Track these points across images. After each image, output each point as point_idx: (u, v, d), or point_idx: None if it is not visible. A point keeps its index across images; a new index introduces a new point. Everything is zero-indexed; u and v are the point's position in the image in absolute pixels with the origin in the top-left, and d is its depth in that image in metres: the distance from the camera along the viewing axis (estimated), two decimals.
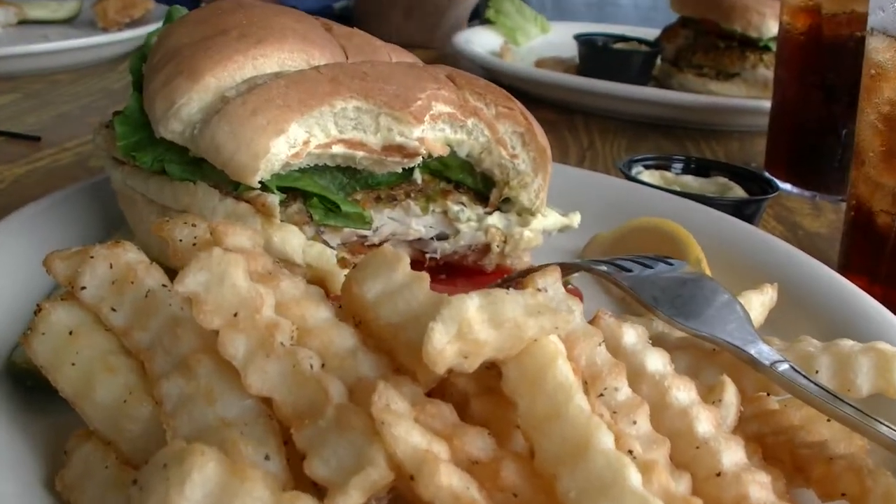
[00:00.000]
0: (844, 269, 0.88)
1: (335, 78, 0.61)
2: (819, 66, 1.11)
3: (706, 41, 1.40)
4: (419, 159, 0.65)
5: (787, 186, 1.16)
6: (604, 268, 0.56)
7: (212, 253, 0.43)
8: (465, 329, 0.39)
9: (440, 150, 0.66)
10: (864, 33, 1.05)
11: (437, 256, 0.70)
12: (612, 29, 1.63)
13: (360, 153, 0.63)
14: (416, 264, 0.70)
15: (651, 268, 0.57)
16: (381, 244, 0.68)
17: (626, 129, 1.33)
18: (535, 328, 0.40)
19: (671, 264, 0.58)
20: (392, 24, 1.80)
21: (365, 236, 0.66)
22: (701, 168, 0.97)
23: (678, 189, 0.95)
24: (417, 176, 0.68)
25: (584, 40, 1.47)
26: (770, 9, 1.32)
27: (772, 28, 1.32)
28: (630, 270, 0.56)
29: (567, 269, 0.60)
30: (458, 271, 0.72)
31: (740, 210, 0.89)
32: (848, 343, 0.53)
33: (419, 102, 0.64)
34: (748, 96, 1.36)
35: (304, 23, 0.69)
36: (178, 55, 0.65)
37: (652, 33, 1.59)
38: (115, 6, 1.73)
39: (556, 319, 0.41)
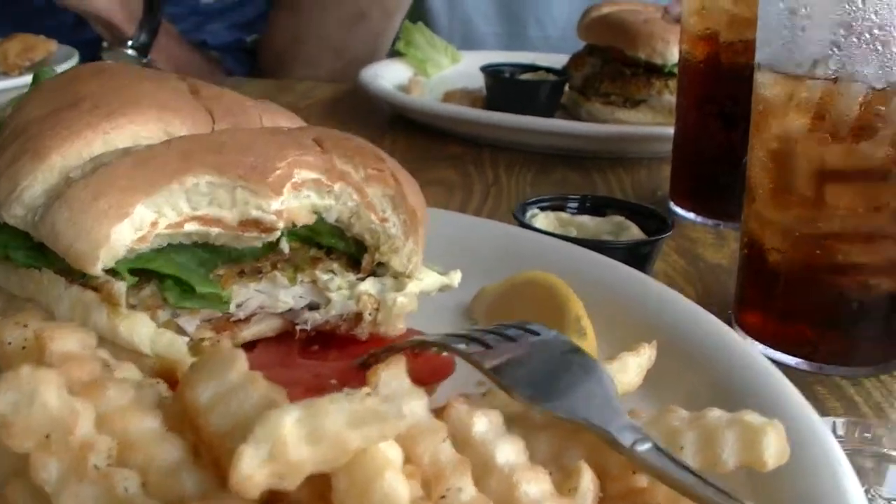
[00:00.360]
0: (740, 304, 0.87)
1: (187, 152, 0.59)
2: (718, 94, 1.11)
3: (612, 69, 1.39)
4: (278, 233, 0.62)
5: (690, 216, 1.15)
6: (462, 345, 0.54)
7: (20, 371, 0.40)
8: (279, 450, 0.36)
9: (305, 219, 0.63)
10: None
11: (308, 327, 0.68)
12: (523, 58, 1.62)
13: (215, 230, 0.60)
14: (287, 336, 0.68)
15: (515, 340, 0.55)
16: (248, 319, 0.66)
17: (532, 162, 1.32)
18: (359, 440, 0.38)
19: (538, 333, 0.56)
20: (322, 68, 1.78)
21: (229, 314, 0.63)
22: (597, 207, 0.95)
23: (574, 231, 0.93)
24: (284, 246, 0.65)
25: (490, 71, 1.46)
26: (674, 35, 1.32)
27: (676, 55, 1.32)
28: (490, 346, 0.54)
29: (423, 346, 0.58)
30: (331, 341, 0.69)
31: (635, 252, 0.88)
32: (715, 414, 0.52)
33: (278, 172, 0.61)
34: (655, 123, 1.36)
35: (165, 89, 0.66)
36: (26, 131, 0.62)
37: (562, 61, 1.58)
38: (16, 49, 1.68)
39: (384, 428, 0.39)
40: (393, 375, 0.44)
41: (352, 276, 0.68)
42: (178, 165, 0.58)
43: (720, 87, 1.10)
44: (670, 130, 1.26)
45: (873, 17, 0.71)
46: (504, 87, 1.40)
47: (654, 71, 1.35)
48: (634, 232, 0.92)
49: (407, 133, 1.43)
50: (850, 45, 0.73)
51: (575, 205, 0.96)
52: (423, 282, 0.70)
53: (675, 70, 1.34)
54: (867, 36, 0.72)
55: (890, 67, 0.72)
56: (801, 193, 0.78)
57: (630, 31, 1.34)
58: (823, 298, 0.80)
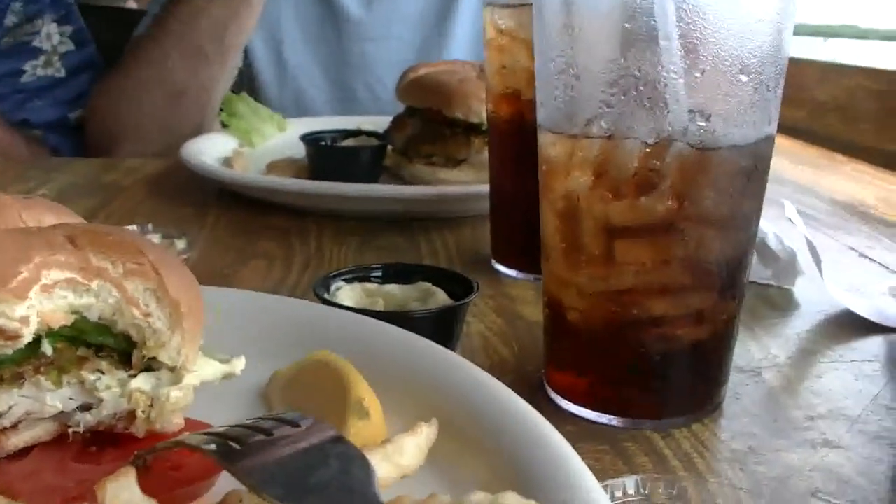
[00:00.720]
0: (549, 364, 0.86)
1: None
2: (525, 151, 1.10)
3: (432, 130, 1.39)
4: (24, 339, 0.58)
5: (512, 273, 1.15)
6: (212, 446, 0.51)
7: None
8: None
9: (62, 320, 0.60)
10: None
11: (81, 429, 0.64)
12: (350, 122, 1.61)
13: None
14: (62, 438, 0.64)
15: (271, 433, 0.52)
16: (15, 426, 0.62)
17: (358, 230, 1.30)
18: None
19: (298, 424, 0.53)
20: (151, 144, 1.74)
21: None
22: (403, 274, 0.94)
23: (380, 301, 0.91)
24: (47, 348, 0.61)
25: (309, 140, 1.43)
26: None
27: None
28: (244, 442, 0.51)
29: (178, 445, 0.55)
30: (108, 441, 0.65)
31: (440, 320, 0.86)
32: (477, 498, 0.50)
33: (22, 276, 0.57)
34: (477, 180, 1.35)
35: None
36: None
37: (386, 122, 1.58)
38: None
39: None
40: (122, 487, 0.41)
41: (123, 374, 0.65)
42: None
43: (527, 143, 1.10)
44: (485, 188, 1.26)
45: (637, 73, 0.72)
46: (324, 155, 1.38)
47: (473, 130, 1.35)
48: (441, 298, 0.91)
49: (233, 206, 1.40)
50: (619, 102, 0.73)
51: (380, 274, 0.94)
52: (202, 372, 0.67)
53: None
54: (634, 93, 0.72)
55: (660, 122, 0.72)
56: (591, 252, 0.78)
57: (446, 91, 1.34)
58: (627, 354, 0.79)
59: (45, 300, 0.59)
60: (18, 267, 0.57)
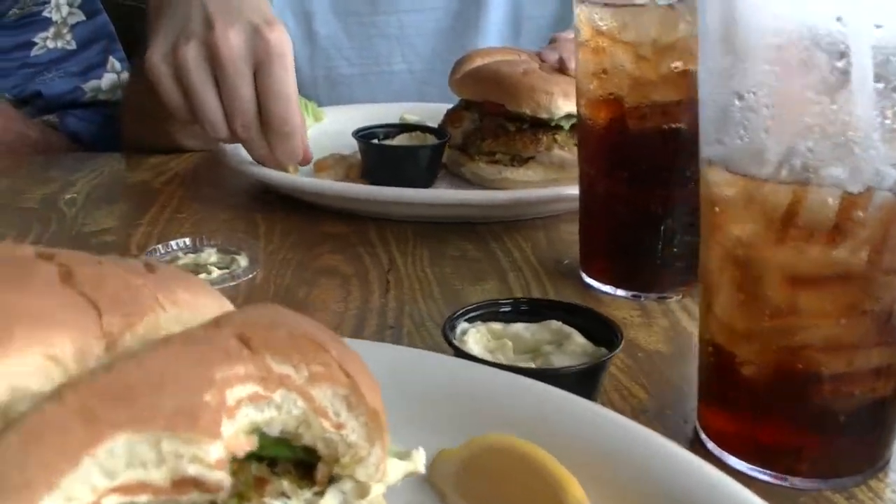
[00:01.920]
0: (706, 411, 0.78)
1: (89, 413, 0.44)
2: (627, 159, 1.02)
3: (494, 125, 1.28)
4: (222, 496, 0.48)
5: (608, 289, 1.06)
6: None
7: None
8: None
9: (246, 445, 0.50)
10: (672, 124, 0.97)
11: None
12: (390, 112, 1.50)
13: (142, 498, 0.46)
14: None
15: None
16: None
17: (425, 235, 1.20)
18: None
19: None
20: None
21: None
22: (532, 311, 0.85)
23: (509, 345, 0.82)
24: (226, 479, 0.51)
25: (362, 136, 1.32)
26: (557, 86, 1.23)
27: (562, 107, 1.22)
28: None
29: None
30: None
31: (591, 373, 0.77)
32: None
33: (208, 403, 0.47)
34: (546, 179, 1.26)
35: (29, 289, 0.50)
36: None
37: (433, 110, 1.47)
38: None
39: None
40: None
41: (308, 493, 0.55)
42: (83, 433, 0.43)
43: (629, 151, 1.01)
44: (567, 190, 1.18)
45: (846, 117, 0.63)
46: (381, 155, 1.27)
47: (540, 125, 1.25)
48: (578, 341, 0.82)
49: (280, 209, 1.29)
50: (820, 146, 0.64)
51: (506, 310, 0.85)
52: (388, 477, 0.58)
53: (563, 123, 1.26)
54: (841, 138, 0.63)
55: (865, 170, 0.64)
56: (774, 304, 0.69)
57: (510, 84, 1.24)
58: (807, 410, 0.71)
59: (229, 425, 0.49)
60: (203, 394, 0.47)
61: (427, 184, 1.31)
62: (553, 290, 1.07)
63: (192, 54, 1.21)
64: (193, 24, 1.22)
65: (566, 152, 1.24)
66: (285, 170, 1.26)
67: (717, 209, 0.72)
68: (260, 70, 1.21)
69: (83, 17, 1.85)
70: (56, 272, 0.52)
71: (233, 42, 1.19)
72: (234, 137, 1.26)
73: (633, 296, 1.05)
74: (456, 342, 0.79)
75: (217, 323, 0.54)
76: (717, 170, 0.71)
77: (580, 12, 1.00)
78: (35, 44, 1.78)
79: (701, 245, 0.77)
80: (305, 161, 1.28)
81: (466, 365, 0.75)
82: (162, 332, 0.54)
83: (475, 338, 0.82)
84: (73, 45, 1.82)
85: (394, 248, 1.17)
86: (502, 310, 0.85)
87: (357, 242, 1.19)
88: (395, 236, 1.21)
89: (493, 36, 1.83)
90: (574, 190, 1.18)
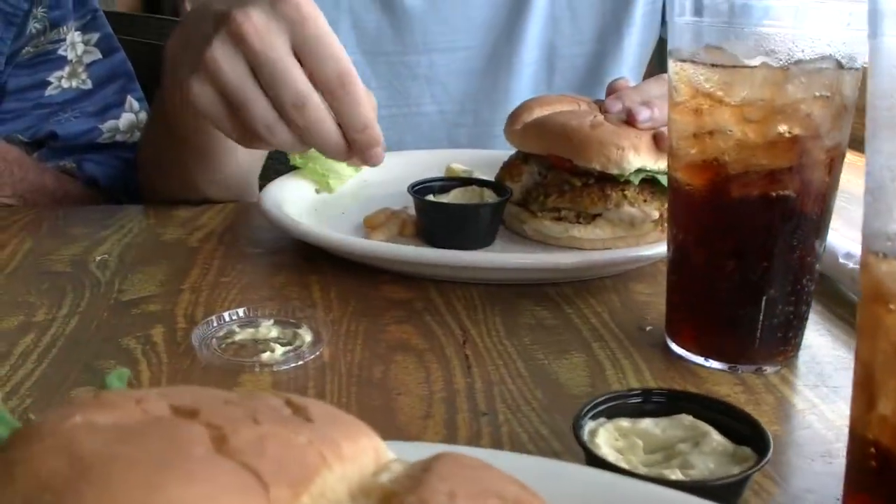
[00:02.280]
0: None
1: None
2: (729, 227, 0.95)
3: (558, 179, 1.21)
4: None
5: (699, 359, 0.99)
6: None
7: None
8: None
9: None
10: (779, 191, 0.91)
11: None
12: (434, 158, 1.42)
13: None
14: None
15: None
16: None
17: (493, 300, 1.13)
18: None
19: None
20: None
21: None
22: (660, 405, 0.77)
23: (640, 443, 0.75)
24: None
25: (418, 192, 1.25)
26: (627, 140, 1.16)
27: (633, 162, 1.16)
28: None
29: None
30: None
31: (742, 482, 0.70)
32: None
33: None
34: (614, 237, 1.19)
35: (191, 465, 0.41)
36: None
37: (480, 158, 1.40)
38: None
39: None
40: None
41: None
42: None
43: (731, 218, 0.95)
44: (652, 251, 1.12)
45: None
46: (441, 214, 1.19)
47: (608, 180, 1.18)
48: (715, 438, 0.74)
49: (333, 270, 1.21)
50: None
51: (635, 402, 0.78)
52: None
53: (633, 178, 1.19)
54: None
55: None
56: None
57: (578, 139, 1.17)
58: None
59: None
60: None
61: (488, 242, 1.24)
62: (642, 361, 1.00)
63: (218, 52, 1.08)
64: (208, 29, 1.12)
65: (635, 209, 1.18)
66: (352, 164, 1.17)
67: (891, 307, 0.65)
68: (295, 37, 1.08)
69: (99, 56, 1.76)
70: (207, 436, 0.44)
71: (255, 18, 1.06)
72: (294, 135, 1.12)
73: (730, 367, 0.98)
74: (590, 446, 0.72)
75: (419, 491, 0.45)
76: (882, 260, 0.64)
77: (679, 70, 0.93)
78: (49, 83, 1.69)
79: (859, 338, 0.70)
80: (377, 154, 1.16)
81: (613, 479, 0.67)
82: (329, 495, 0.46)
83: (604, 437, 0.74)
84: (90, 85, 1.73)
85: (464, 317, 1.09)
86: (631, 401, 0.78)
87: (423, 310, 1.11)
88: (462, 302, 1.13)
89: (526, 77, 1.77)
90: (653, 251, 1.12)
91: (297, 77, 1.08)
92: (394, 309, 1.11)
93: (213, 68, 1.08)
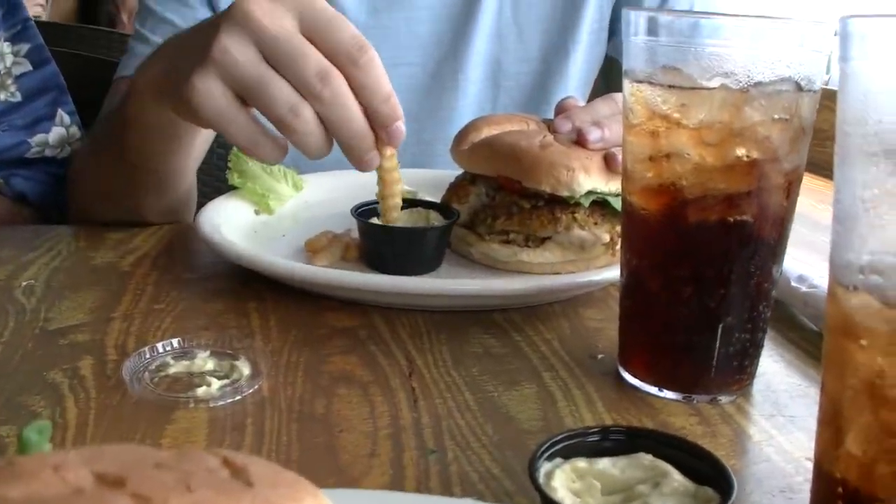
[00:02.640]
0: None
1: None
2: (685, 253, 0.91)
3: (507, 201, 1.17)
4: None
5: (652, 389, 0.95)
6: None
7: None
8: None
9: None
10: (737, 216, 0.88)
11: None
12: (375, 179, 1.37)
13: None
14: None
15: None
16: None
17: (439, 327, 1.08)
18: None
19: None
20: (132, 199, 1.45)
21: None
22: (619, 442, 0.74)
23: (597, 485, 0.70)
24: None
25: (361, 215, 1.20)
26: (577, 161, 1.12)
27: (583, 183, 1.12)
28: None
29: None
30: None
31: None
32: None
33: None
34: (564, 261, 1.15)
35: None
36: None
37: (424, 179, 1.35)
38: None
39: None
40: None
41: None
42: None
43: (687, 244, 0.91)
44: (603, 276, 1.09)
45: None
46: (386, 238, 1.14)
47: (558, 203, 1.14)
48: (676, 479, 0.71)
49: (273, 296, 1.16)
50: None
51: (593, 440, 0.74)
52: None
53: (583, 201, 1.15)
54: None
55: None
56: None
57: (528, 160, 1.13)
58: None
59: None
60: None
61: (434, 266, 1.20)
62: (595, 391, 0.97)
63: (226, 41, 0.99)
64: (208, 29, 1.03)
65: (586, 232, 1.14)
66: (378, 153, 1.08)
67: (862, 342, 0.62)
68: (304, 17, 1.01)
69: (30, 68, 1.69)
70: None
71: (264, 3, 1.00)
72: (317, 119, 1.03)
73: (684, 397, 0.95)
74: (546, 489, 0.68)
75: None
76: (866, 299, 0.61)
77: (635, 91, 0.90)
78: None
79: (826, 372, 0.67)
80: (399, 129, 1.07)
81: None
82: None
83: (560, 479, 0.71)
84: (19, 97, 1.66)
85: (410, 346, 1.05)
86: (588, 440, 0.74)
87: (367, 338, 1.06)
88: (407, 330, 1.09)
89: (471, 95, 1.73)
90: (604, 275, 1.09)
91: (314, 51, 1.00)
92: (337, 338, 1.06)
93: (222, 59, 1.00)
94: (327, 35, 1.01)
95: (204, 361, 0.97)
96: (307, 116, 1.01)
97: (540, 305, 1.15)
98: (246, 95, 1.01)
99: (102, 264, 1.27)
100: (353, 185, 1.35)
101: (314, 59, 1.00)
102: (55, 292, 1.16)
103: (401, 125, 1.05)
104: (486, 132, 1.23)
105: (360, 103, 1.02)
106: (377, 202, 1.19)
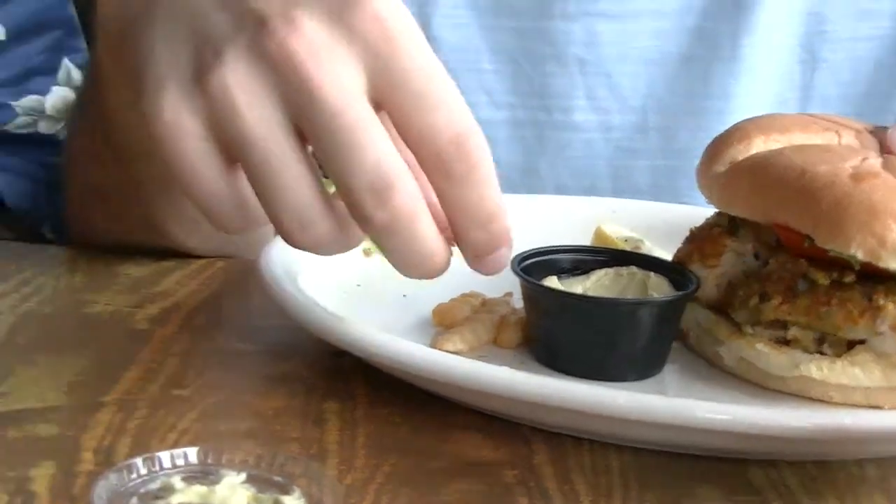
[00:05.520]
0: None
1: None
2: None
3: (789, 271, 1.12)
4: None
5: None
6: None
7: None
8: None
9: None
10: None
11: None
12: (570, 207, 1.36)
13: None
14: None
15: None
16: None
17: (647, 480, 1.02)
18: None
19: None
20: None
21: None
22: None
23: None
24: None
25: (526, 268, 1.16)
26: None
27: None
28: None
29: None
30: None
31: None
32: None
33: None
34: (887, 386, 1.09)
35: None
36: None
37: (654, 216, 1.35)
38: None
39: None
40: None
41: None
42: None
43: None
44: None
45: None
46: (570, 311, 1.13)
47: (880, 281, 1.08)
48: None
49: (368, 400, 1.14)
50: None
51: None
52: None
53: None
54: None
55: None
56: None
57: (828, 201, 1.05)
58: None
59: None
60: None
61: (650, 371, 1.16)
62: None
63: (233, 77, 0.95)
64: (218, 23, 1.01)
65: None
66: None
67: None
68: (375, 70, 0.96)
69: None
70: None
71: (308, 33, 0.93)
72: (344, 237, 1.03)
73: None
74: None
75: None
76: None
77: None
78: None
79: None
80: (499, 258, 1.04)
81: None
82: None
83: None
84: (1, 34, 1.71)
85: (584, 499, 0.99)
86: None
87: (517, 484, 1.01)
88: (587, 477, 1.03)
89: (763, 75, 1.69)
90: None
91: (378, 138, 0.96)
92: (464, 477, 1.02)
93: (221, 102, 0.97)
94: (412, 116, 0.97)
95: (232, 490, 0.94)
96: (319, 235, 1.01)
97: (841, 463, 1.09)
98: (239, 160, 0.99)
99: (103, 314, 1.29)
100: (533, 218, 1.35)
101: (372, 158, 0.95)
102: (18, 353, 1.18)
103: (505, 253, 1.03)
104: (761, 144, 1.18)
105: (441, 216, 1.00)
106: (564, 250, 1.18)
